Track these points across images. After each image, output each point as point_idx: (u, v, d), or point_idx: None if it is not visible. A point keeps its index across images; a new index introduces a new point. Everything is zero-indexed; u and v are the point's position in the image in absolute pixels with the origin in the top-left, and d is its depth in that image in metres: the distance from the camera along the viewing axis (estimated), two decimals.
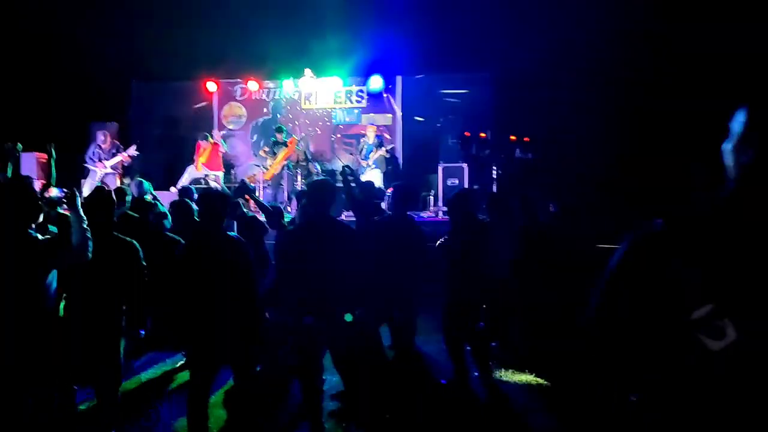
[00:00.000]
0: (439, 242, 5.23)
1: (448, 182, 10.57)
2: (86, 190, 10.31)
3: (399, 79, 12.86)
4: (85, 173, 10.57)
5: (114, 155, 10.39)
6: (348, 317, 3.94)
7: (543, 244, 5.56)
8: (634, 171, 9.65)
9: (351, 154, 12.39)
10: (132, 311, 3.87)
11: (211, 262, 3.75)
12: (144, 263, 3.88)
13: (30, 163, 10.81)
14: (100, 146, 10.48)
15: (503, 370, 5.51)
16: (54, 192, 9.10)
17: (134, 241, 3.89)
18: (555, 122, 11.34)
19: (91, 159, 10.47)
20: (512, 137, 11.36)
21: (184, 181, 10.76)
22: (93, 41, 11.22)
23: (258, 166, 11.73)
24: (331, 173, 12.54)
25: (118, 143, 10.64)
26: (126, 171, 11.03)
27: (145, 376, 5.51)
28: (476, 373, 5.12)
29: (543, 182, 10.59)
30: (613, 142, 10.28)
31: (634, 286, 1.53)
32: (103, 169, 10.39)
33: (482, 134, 10.84)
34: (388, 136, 12.53)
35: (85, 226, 3.38)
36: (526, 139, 11.34)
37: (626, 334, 1.55)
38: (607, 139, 10.41)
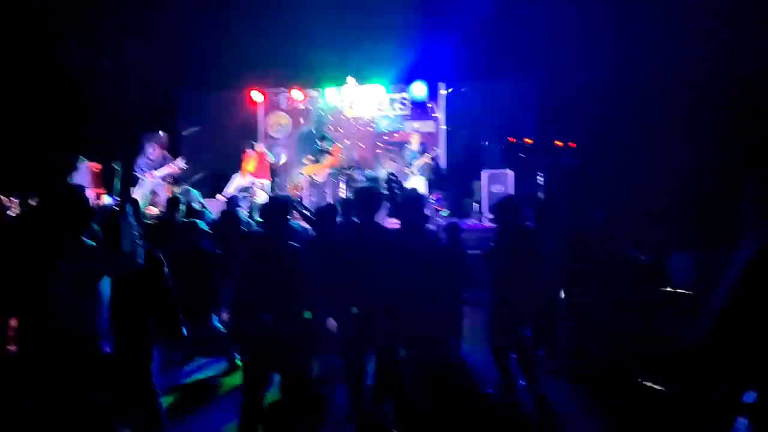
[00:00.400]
0: (484, 250, 5.16)
1: (493, 189, 10.44)
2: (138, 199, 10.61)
3: (442, 85, 12.81)
4: (135, 182, 10.86)
5: (163, 165, 10.65)
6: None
7: (590, 251, 5.43)
8: (682, 177, 9.39)
9: (394, 161, 12.40)
10: (163, 321, 3.91)
11: (273, 267, 3.80)
12: (166, 271, 3.93)
13: (83, 173, 11.19)
14: (149, 156, 10.75)
15: (550, 378, 5.39)
16: (106, 200, 9.40)
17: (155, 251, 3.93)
18: (602, 127, 11.12)
19: (141, 169, 10.74)
20: (558, 142, 11.18)
21: (231, 189, 10.94)
22: (143, 53, 11.57)
23: (302, 174, 11.85)
24: (374, 180, 12.58)
25: (167, 153, 10.89)
26: (174, 180, 11.29)
27: (192, 381, 5.60)
28: (523, 382, 5.02)
29: (590, 188, 10.39)
30: (659, 147, 10.03)
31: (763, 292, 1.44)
32: (153, 179, 10.65)
33: (527, 140, 10.68)
34: (435, 149, 12.47)
35: (135, 233, 3.43)
36: (572, 144, 11.15)
37: (753, 341, 1.46)
38: (652, 144, 10.17)
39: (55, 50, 11.63)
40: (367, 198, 4.27)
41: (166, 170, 10.63)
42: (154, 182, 10.67)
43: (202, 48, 11.32)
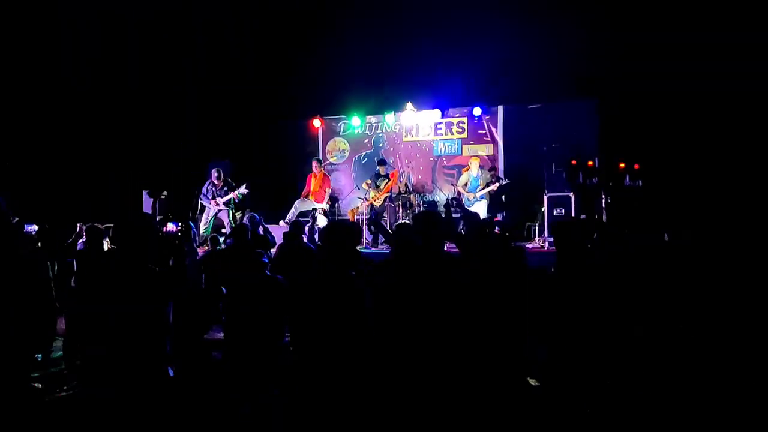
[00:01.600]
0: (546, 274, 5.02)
1: (554, 212, 10.24)
2: (201, 225, 10.94)
3: (500, 108, 12.73)
4: (200, 209, 11.21)
5: (226, 193, 10.95)
6: None
7: (654, 275, 5.22)
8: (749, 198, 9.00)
9: (452, 185, 12.36)
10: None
11: (334, 300, 3.63)
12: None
13: (148, 200, 11.65)
14: (213, 183, 11.09)
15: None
16: (170, 226, 9.68)
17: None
18: (666, 148, 10.82)
19: (205, 196, 11.09)
20: (621, 165, 10.91)
21: (292, 215, 11.14)
22: (209, 86, 12.08)
23: (361, 198, 11.95)
24: (433, 205, 12.57)
25: (230, 181, 11.20)
26: (237, 206, 11.60)
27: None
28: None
29: (654, 211, 10.09)
30: (726, 167, 9.66)
31: None
32: (216, 206, 10.96)
33: (590, 162, 10.46)
34: (498, 176, 12.35)
35: (197, 259, 3.49)
36: (636, 166, 10.86)
37: None
38: (718, 164, 9.81)
39: (126, 79, 12.27)
40: (427, 222, 4.19)
41: (228, 197, 10.93)
42: (218, 208, 10.98)
43: (268, 81, 11.72)
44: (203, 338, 3.95)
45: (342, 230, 3.92)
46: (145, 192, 11.58)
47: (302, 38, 12.26)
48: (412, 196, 11.60)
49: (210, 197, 11.03)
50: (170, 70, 12.45)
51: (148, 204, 11.74)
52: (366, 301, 3.73)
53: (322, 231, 4.14)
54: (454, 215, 5.80)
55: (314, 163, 11.59)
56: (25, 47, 11.62)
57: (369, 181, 11.68)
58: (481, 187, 11.06)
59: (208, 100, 12.74)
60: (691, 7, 10.14)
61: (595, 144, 11.48)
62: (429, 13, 11.29)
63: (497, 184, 11.00)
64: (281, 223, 10.90)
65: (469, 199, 10.99)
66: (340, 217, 12.13)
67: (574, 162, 10.37)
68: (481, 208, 10.74)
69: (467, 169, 11.40)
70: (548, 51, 10.82)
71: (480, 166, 11.38)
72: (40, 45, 11.74)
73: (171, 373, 3.37)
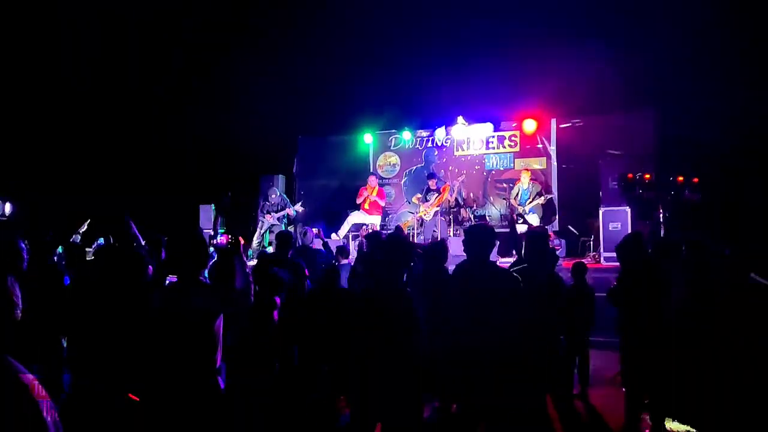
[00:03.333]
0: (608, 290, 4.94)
1: (610, 227, 10.02)
2: (254, 239, 11.19)
3: (553, 121, 12.58)
4: (255, 223, 11.48)
5: (282, 208, 11.19)
6: None
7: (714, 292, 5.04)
8: None
9: (504, 199, 12.26)
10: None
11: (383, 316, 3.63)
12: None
13: (207, 214, 12.01)
14: (268, 199, 11.35)
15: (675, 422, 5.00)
16: (220, 239, 9.94)
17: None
18: (727, 161, 10.47)
19: (260, 211, 11.35)
20: (680, 178, 10.59)
21: (345, 229, 11.27)
22: (266, 104, 12.41)
23: (411, 213, 11.97)
24: (483, 218, 12.49)
25: (285, 197, 11.46)
26: (290, 221, 11.84)
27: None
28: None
29: (715, 225, 9.76)
30: None
31: None
32: (271, 220, 11.19)
33: (647, 175, 10.19)
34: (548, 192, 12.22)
35: (248, 271, 3.53)
36: (695, 180, 10.52)
37: None
38: None
39: (191, 107, 12.75)
40: (478, 236, 4.16)
41: (282, 213, 11.16)
42: (272, 223, 11.21)
43: (321, 97, 11.96)
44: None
45: (395, 245, 3.93)
46: (203, 206, 11.94)
47: (353, 52, 12.45)
48: (463, 210, 11.56)
49: (264, 212, 11.27)
50: (221, 85, 12.85)
51: (204, 217, 12.11)
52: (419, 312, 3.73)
53: (373, 246, 4.16)
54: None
55: (371, 177, 11.74)
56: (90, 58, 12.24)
57: (419, 195, 11.70)
58: (530, 200, 10.96)
59: (258, 115, 13.05)
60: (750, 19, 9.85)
61: (652, 157, 11.19)
62: (482, 27, 11.30)
63: (543, 198, 10.91)
64: (333, 236, 11.03)
65: (519, 213, 10.92)
66: (389, 231, 12.19)
67: (630, 175, 10.12)
68: (532, 221, 10.70)
69: (519, 182, 11.33)
70: (604, 62, 10.65)
71: (531, 180, 11.27)
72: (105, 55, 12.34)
73: (222, 384, 3.39)
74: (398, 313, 3.62)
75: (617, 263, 5.10)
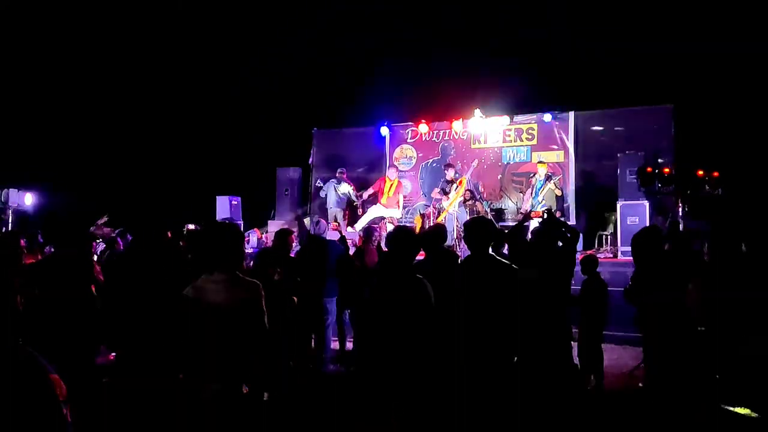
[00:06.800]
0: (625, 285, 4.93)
1: (628, 221, 9.95)
2: (271, 230, 11.30)
3: (571, 114, 12.43)
4: (272, 215, 11.58)
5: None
6: None
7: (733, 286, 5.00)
8: None
9: (521, 192, 12.18)
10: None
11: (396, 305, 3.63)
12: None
13: (224, 206, 12.08)
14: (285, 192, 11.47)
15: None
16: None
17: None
18: (747, 154, 10.33)
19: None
20: (700, 172, 10.46)
21: (364, 221, 11.28)
22: (282, 96, 12.49)
23: (427, 206, 11.96)
24: (500, 211, 12.44)
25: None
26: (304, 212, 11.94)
27: None
28: None
29: (734, 219, 9.64)
30: None
31: None
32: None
33: (666, 169, 10.08)
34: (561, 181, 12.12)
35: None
36: (715, 174, 10.39)
37: None
38: None
39: (209, 99, 12.88)
40: (475, 230, 4.18)
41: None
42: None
43: (337, 90, 12.00)
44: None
45: (406, 236, 3.93)
46: (221, 197, 12.02)
47: (369, 46, 12.46)
48: (479, 203, 11.50)
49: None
50: (238, 80, 12.94)
51: (220, 208, 12.19)
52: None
53: (387, 237, 4.18)
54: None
55: (392, 169, 11.77)
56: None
57: (437, 189, 11.61)
58: (542, 192, 10.85)
59: (274, 109, 13.12)
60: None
61: (672, 151, 11.07)
62: (498, 19, 11.25)
63: (553, 182, 10.83)
64: (349, 229, 11.08)
65: (532, 205, 10.83)
66: (405, 223, 12.18)
67: (649, 169, 10.01)
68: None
69: (536, 174, 11.24)
70: (624, 54, 10.56)
71: (548, 173, 11.14)
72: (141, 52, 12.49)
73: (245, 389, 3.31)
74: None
75: None
